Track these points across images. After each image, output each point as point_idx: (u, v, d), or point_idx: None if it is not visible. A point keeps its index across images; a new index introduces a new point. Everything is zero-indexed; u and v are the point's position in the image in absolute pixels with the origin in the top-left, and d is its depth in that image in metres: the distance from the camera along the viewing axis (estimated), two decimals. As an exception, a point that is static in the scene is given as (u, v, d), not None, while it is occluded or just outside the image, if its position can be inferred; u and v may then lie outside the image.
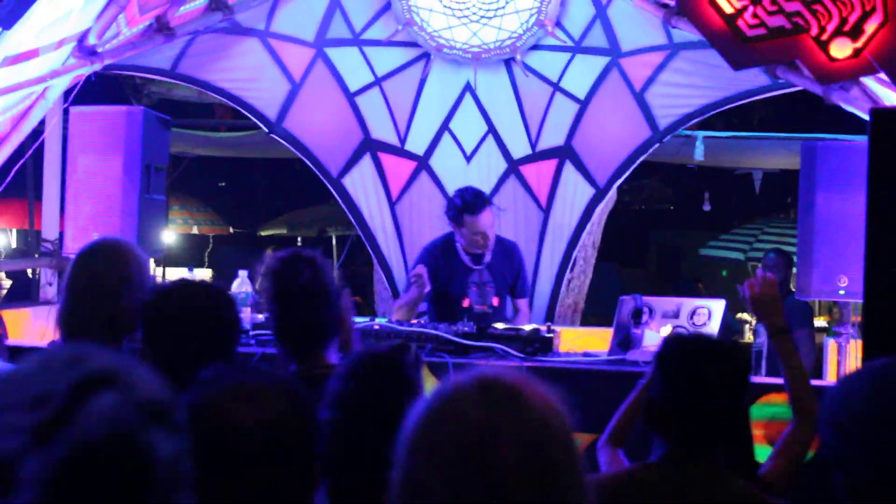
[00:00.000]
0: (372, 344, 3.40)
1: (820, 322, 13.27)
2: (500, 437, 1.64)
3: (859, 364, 7.27)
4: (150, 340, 3.39)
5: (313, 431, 2.28)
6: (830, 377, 7.32)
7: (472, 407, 1.67)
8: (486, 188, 9.01)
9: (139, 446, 1.44)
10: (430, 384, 4.25)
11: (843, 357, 7.33)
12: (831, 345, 7.48)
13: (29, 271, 13.94)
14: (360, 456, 2.92)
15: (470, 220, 7.14)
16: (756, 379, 5.53)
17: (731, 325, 13.43)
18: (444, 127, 9.28)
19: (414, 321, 6.53)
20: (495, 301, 7.33)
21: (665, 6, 8.44)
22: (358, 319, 6.26)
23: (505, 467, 1.62)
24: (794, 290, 7.95)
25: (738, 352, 3.37)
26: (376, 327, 6.05)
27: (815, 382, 5.42)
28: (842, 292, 7.17)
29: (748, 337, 13.13)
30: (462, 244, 7.29)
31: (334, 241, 18.60)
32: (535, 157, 9.25)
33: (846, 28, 6.32)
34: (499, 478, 1.62)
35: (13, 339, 7.50)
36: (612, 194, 9.52)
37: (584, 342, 6.92)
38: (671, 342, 3.37)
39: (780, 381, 4.07)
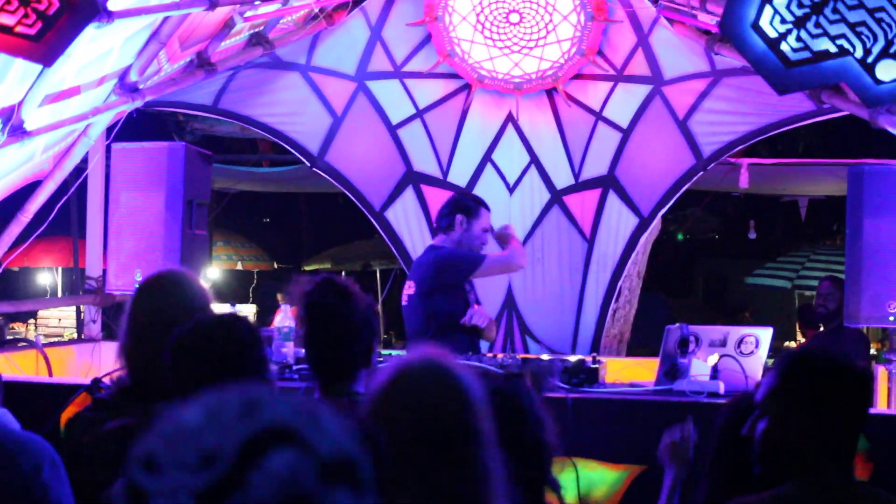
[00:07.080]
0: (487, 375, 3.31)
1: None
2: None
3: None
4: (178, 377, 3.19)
5: None
6: (881, 405, 7.20)
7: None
8: (530, 219, 9.00)
9: None
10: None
11: (894, 384, 7.21)
12: (881, 372, 7.36)
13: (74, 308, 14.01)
14: None
15: (485, 214, 7.02)
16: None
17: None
18: (487, 158, 9.24)
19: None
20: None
21: (707, 33, 8.39)
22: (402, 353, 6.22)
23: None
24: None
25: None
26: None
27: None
28: (891, 318, 7.07)
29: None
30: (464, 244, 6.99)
31: (378, 275, 18.58)
32: (579, 186, 9.19)
33: (892, 50, 6.24)
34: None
35: (57, 377, 7.51)
36: (656, 223, 9.45)
37: (630, 373, 6.85)
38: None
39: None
